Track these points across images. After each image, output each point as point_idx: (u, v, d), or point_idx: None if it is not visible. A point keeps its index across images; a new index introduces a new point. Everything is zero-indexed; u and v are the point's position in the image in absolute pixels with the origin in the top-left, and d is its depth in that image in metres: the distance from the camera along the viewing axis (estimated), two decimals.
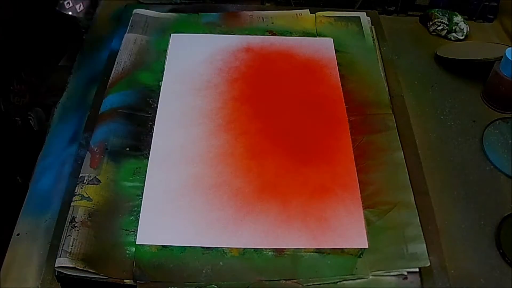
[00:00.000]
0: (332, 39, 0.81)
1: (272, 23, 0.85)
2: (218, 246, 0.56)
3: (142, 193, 0.61)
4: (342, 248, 0.57)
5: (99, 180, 0.61)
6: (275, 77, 0.76)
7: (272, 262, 0.56)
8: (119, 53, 0.77)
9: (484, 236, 0.60)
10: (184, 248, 0.56)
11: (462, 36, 0.85)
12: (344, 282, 0.55)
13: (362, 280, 0.55)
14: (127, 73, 0.74)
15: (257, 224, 0.58)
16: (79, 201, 0.59)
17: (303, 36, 0.83)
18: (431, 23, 0.87)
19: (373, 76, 0.76)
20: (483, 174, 0.66)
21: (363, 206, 0.60)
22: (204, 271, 0.55)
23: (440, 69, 0.81)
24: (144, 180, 0.62)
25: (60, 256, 0.54)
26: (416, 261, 0.55)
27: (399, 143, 0.67)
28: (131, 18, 0.84)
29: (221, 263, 0.55)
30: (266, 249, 0.57)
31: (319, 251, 0.56)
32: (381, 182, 0.63)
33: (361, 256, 0.56)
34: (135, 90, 0.72)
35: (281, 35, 0.83)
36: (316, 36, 0.83)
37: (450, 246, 0.58)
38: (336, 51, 0.80)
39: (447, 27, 0.85)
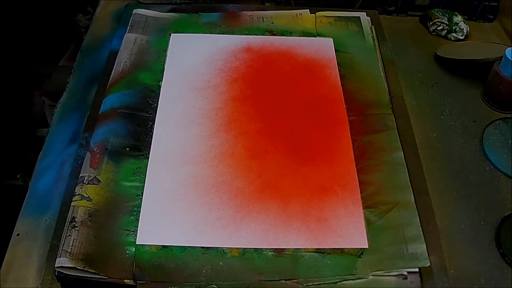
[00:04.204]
0: (332, 39, 0.81)
1: (272, 23, 0.85)
2: (218, 246, 0.57)
3: (142, 193, 0.61)
4: (342, 248, 0.57)
5: (99, 180, 0.61)
6: (275, 77, 0.76)
7: (272, 262, 0.56)
8: (119, 53, 0.77)
9: (484, 236, 0.60)
10: (184, 248, 0.56)
11: (462, 36, 0.85)
12: (344, 282, 0.55)
13: (362, 280, 0.55)
14: (127, 73, 0.74)
15: (257, 224, 0.58)
16: (79, 201, 0.59)
17: (303, 36, 0.83)
18: (431, 23, 0.87)
19: (373, 76, 0.76)
20: (483, 174, 0.66)
21: (363, 206, 0.60)
22: (204, 271, 0.55)
23: (440, 69, 0.81)
24: (144, 180, 0.62)
25: (60, 256, 0.54)
26: (416, 261, 0.55)
27: (399, 143, 0.67)
28: (131, 18, 0.84)
29: (221, 263, 0.55)
30: (266, 249, 0.57)
31: (319, 251, 0.56)
32: (381, 182, 0.63)
33: (361, 256, 0.56)
34: (135, 90, 0.72)
35: (281, 35, 0.83)
36: (316, 36, 0.83)
37: (450, 246, 0.58)
38: (336, 51, 0.80)
39: (447, 27, 0.85)
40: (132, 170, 0.63)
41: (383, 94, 0.73)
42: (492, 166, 0.67)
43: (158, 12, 0.85)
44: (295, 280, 0.54)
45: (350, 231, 0.58)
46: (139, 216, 0.59)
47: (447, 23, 0.85)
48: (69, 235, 0.56)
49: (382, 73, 0.76)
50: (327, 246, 0.57)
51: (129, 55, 0.77)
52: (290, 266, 0.55)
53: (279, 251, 0.56)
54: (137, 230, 0.58)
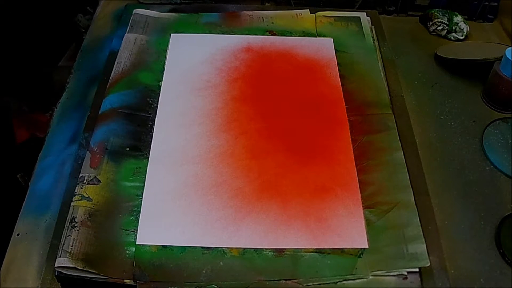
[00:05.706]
0: (332, 39, 0.81)
1: (272, 23, 0.85)
2: (218, 246, 0.57)
3: (142, 193, 0.61)
4: (342, 248, 0.57)
5: (99, 180, 0.61)
6: (275, 77, 0.76)
7: (272, 262, 0.56)
8: (119, 53, 0.77)
9: (484, 236, 0.60)
10: (184, 248, 0.56)
11: (462, 36, 0.85)
12: (344, 282, 0.55)
13: (362, 280, 0.55)
14: (127, 73, 0.74)
15: (257, 224, 0.58)
16: (79, 201, 0.59)
17: (303, 36, 0.83)
18: (431, 23, 0.87)
19: (373, 76, 0.76)
20: (483, 174, 0.66)
21: (363, 206, 0.60)
22: (204, 271, 0.55)
23: (440, 69, 0.81)
24: (144, 180, 0.62)
25: (60, 256, 0.54)
26: (416, 261, 0.55)
27: (399, 143, 0.67)
28: (131, 18, 0.84)
29: (221, 263, 0.55)
30: (266, 249, 0.57)
31: (319, 251, 0.56)
32: (381, 182, 0.63)
33: (361, 256, 0.56)
34: (135, 90, 0.72)
35: (281, 35, 0.83)
36: (316, 36, 0.83)
37: (450, 246, 0.58)
38: (336, 51, 0.80)
39: (447, 27, 0.85)
40: (132, 170, 0.63)
41: (383, 94, 0.73)
42: (492, 166, 0.67)
43: (158, 12, 0.86)
44: (295, 280, 0.54)
45: (350, 231, 0.58)
46: (139, 216, 0.59)
47: (447, 23, 0.85)
48: (69, 235, 0.56)
49: (382, 73, 0.76)
50: (327, 246, 0.57)
51: (129, 55, 0.77)
52: (290, 266, 0.55)
53: (279, 251, 0.56)
54: (137, 230, 0.58)
